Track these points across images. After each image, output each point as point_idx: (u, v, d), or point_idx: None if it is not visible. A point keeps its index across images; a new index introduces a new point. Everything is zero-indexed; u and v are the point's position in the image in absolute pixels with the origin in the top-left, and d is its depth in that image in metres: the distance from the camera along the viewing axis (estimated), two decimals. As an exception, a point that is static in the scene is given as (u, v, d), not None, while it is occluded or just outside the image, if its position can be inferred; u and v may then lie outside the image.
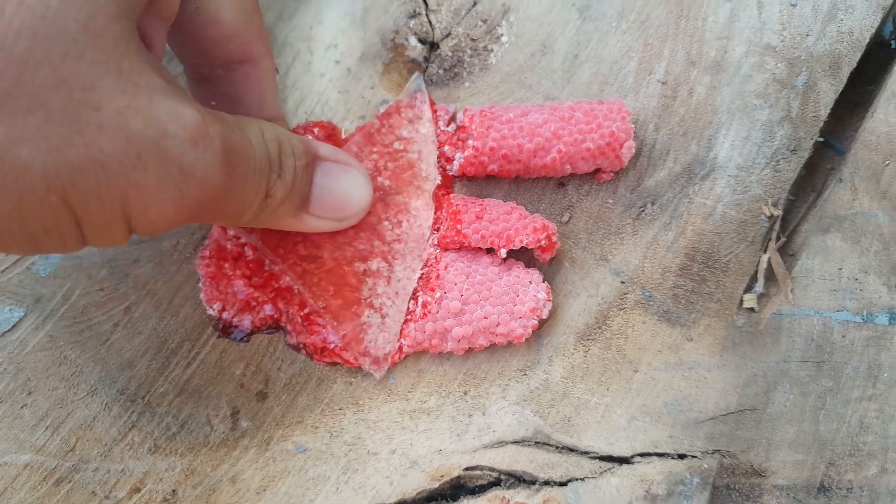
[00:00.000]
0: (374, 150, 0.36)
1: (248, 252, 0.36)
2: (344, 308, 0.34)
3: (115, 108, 0.22)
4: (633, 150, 0.36)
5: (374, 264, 0.35)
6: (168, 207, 0.24)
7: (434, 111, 0.38)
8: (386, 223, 0.35)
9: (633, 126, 0.36)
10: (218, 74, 0.32)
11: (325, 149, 0.33)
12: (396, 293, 0.34)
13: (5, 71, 0.20)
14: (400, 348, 0.34)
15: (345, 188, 0.33)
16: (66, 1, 0.21)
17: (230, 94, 0.33)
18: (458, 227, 0.35)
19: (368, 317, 0.34)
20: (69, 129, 0.21)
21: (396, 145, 0.37)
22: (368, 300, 0.34)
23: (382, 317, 0.34)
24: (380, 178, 0.36)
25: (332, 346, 0.35)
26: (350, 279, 0.34)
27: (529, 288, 0.34)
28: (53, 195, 0.22)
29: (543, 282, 0.34)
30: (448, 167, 0.37)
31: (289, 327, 0.35)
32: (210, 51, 0.31)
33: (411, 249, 0.35)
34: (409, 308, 0.34)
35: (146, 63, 0.23)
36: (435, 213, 0.36)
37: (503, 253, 0.34)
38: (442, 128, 0.38)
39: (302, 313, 0.35)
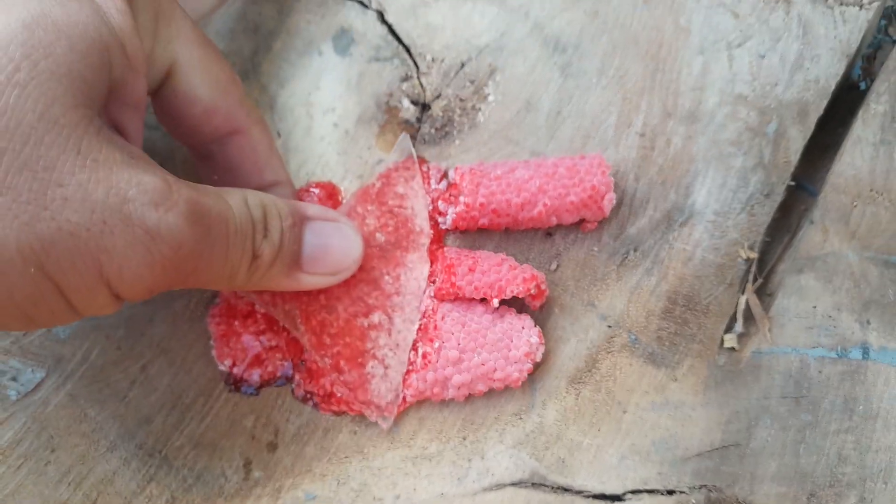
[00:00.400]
0: (371, 208, 0.39)
1: (258, 307, 0.38)
2: (349, 361, 0.36)
3: (77, 182, 0.25)
4: (614, 202, 0.38)
5: (376, 317, 0.37)
6: (142, 269, 0.27)
7: (426, 169, 0.40)
8: (386, 277, 0.37)
9: (612, 179, 0.38)
10: (213, 150, 0.34)
11: (312, 209, 0.35)
12: (397, 344, 0.36)
13: None
14: (404, 398, 0.36)
15: (336, 244, 0.34)
16: (21, 97, 0.24)
17: (228, 167, 0.35)
18: (453, 279, 0.37)
19: (372, 368, 0.36)
20: (36, 205, 0.24)
21: (392, 203, 0.39)
22: (372, 352, 0.36)
23: (385, 368, 0.36)
24: (378, 235, 0.38)
25: (339, 395, 0.37)
26: (354, 332, 0.36)
27: (522, 333, 0.36)
28: (31, 267, 0.24)
29: (535, 326, 0.36)
30: (441, 221, 0.39)
31: (297, 377, 0.37)
32: (197, 128, 0.33)
33: (409, 302, 0.37)
34: (409, 359, 0.36)
35: (106, 142, 0.26)
36: (430, 266, 0.38)
37: (496, 302, 0.36)
38: (434, 185, 0.40)
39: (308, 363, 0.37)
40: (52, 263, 0.25)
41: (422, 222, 0.39)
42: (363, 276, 0.37)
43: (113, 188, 0.25)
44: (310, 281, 0.34)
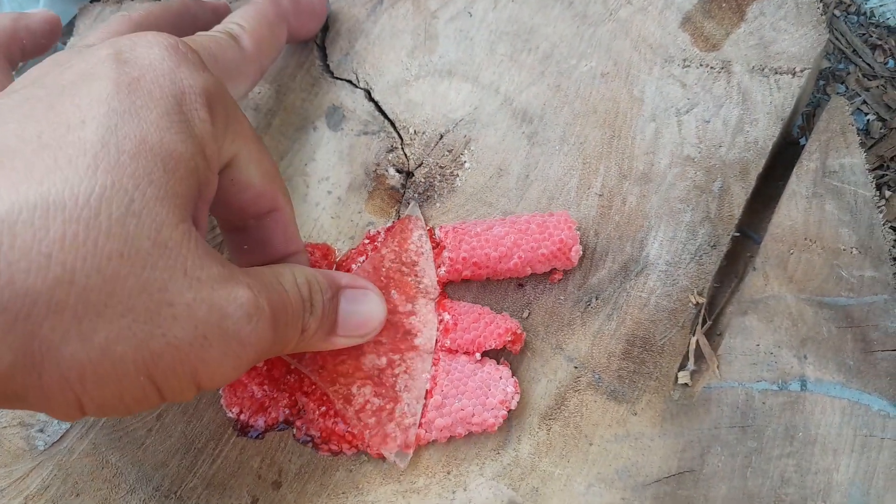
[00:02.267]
0: (385, 269, 0.43)
1: (260, 363, 0.42)
2: (377, 409, 0.40)
3: (185, 302, 0.28)
4: (580, 252, 0.43)
5: (397, 368, 0.41)
6: (230, 372, 0.30)
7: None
8: (403, 332, 0.42)
9: (578, 233, 0.43)
10: (250, 225, 0.38)
11: (345, 278, 0.38)
12: (412, 390, 0.40)
13: (104, 287, 0.26)
14: (417, 437, 0.40)
15: (366, 310, 0.38)
16: (139, 225, 0.26)
17: (260, 240, 0.38)
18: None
19: (397, 413, 0.40)
20: (151, 324, 0.27)
21: (405, 262, 0.43)
22: (389, 411, 0.40)
23: (404, 416, 0.40)
24: (393, 293, 0.42)
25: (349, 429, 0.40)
26: (385, 383, 0.40)
27: (500, 382, 0.40)
28: (141, 375, 0.28)
29: (513, 377, 0.41)
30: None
31: (298, 423, 0.42)
32: (243, 210, 0.36)
33: (423, 352, 0.41)
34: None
35: (203, 255, 0.29)
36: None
37: (478, 356, 0.41)
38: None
39: (320, 411, 0.41)
40: (158, 373, 0.28)
41: (431, 279, 0.43)
42: (383, 334, 0.41)
43: (214, 306, 0.29)
44: (342, 342, 0.38)
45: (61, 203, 0.25)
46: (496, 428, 0.40)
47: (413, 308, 0.42)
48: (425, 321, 0.42)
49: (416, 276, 0.43)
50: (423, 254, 0.43)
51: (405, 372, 0.41)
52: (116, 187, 0.26)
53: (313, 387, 0.41)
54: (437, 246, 0.44)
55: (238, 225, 0.38)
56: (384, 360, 0.41)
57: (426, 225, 0.46)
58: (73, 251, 0.25)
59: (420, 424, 0.40)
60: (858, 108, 0.57)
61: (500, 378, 0.40)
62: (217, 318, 0.29)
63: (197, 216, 0.31)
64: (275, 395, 0.42)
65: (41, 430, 0.42)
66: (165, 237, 0.27)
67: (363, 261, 0.44)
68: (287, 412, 0.42)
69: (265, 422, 0.42)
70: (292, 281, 0.34)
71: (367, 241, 0.45)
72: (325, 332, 0.37)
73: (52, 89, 0.29)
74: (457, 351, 0.42)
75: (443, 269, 0.43)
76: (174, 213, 0.28)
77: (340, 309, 0.37)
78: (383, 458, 0.41)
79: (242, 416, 0.42)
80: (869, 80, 0.57)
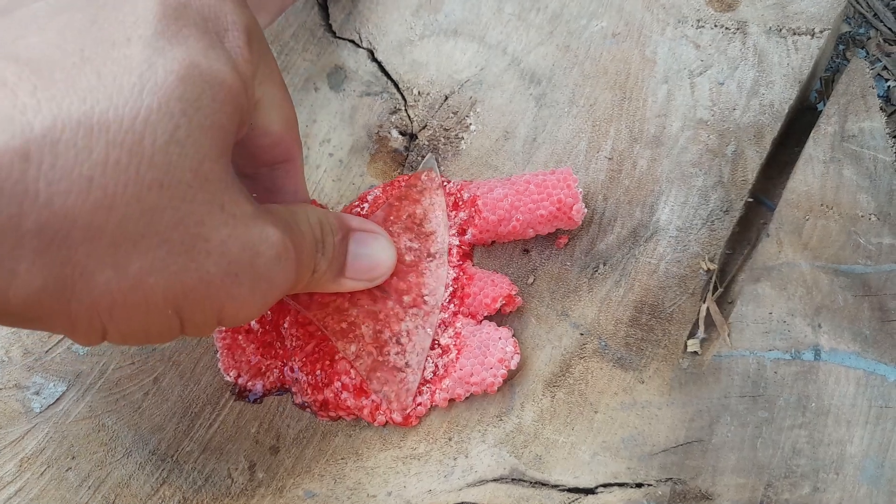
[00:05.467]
0: (395, 220, 0.42)
1: (255, 325, 0.41)
2: (373, 357, 0.39)
3: (219, 238, 0.27)
4: (584, 211, 0.41)
5: (406, 324, 0.40)
6: (254, 310, 0.30)
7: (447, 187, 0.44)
8: (411, 284, 0.41)
9: (580, 190, 0.41)
10: (262, 172, 0.37)
11: (355, 221, 0.38)
12: (415, 346, 0.40)
13: (142, 217, 0.25)
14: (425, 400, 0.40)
15: (375, 253, 0.38)
16: (182, 154, 0.25)
17: (271, 188, 0.37)
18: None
19: (394, 359, 0.39)
20: (185, 258, 0.26)
21: (418, 216, 0.42)
22: (395, 348, 0.39)
23: (406, 365, 0.39)
24: (405, 243, 0.41)
25: (345, 398, 0.40)
26: (382, 335, 0.40)
27: (499, 342, 0.39)
28: (169, 308, 0.27)
29: (512, 337, 0.40)
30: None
31: (294, 389, 0.41)
32: (258, 156, 0.36)
33: (430, 310, 0.40)
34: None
35: (239, 192, 0.28)
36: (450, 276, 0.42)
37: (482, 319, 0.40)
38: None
39: (319, 371, 0.40)
40: (185, 305, 0.28)
41: (443, 235, 0.42)
42: (390, 282, 0.40)
43: (247, 244, 0.28)
44: (350, 284, 0.38)
45: (105, 123, 0.24)
46: (496, 388, 0.39)
47: (423, 263, 0.41)
48: (434, 277, 0.41)
49: (428, 230, 0.42)
50: (436, 208, 0.42)
51: (411, 325, 0.40)
52: (163, 111, 0.25)
53: (304, 357, 0.40)
54: (454, 201, 0.43)
55: (248, 172, 0.37)
56: (391, 309, 0.40)
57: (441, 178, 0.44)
58: (115, 177, 0.24)
59: (420, 381, 0.39)
60: (879, 74, 0.55)
61: (500, 338, 0.39)
62: (249, 257, 0.28)
63: (230, 156, 0.30)
64: (268, 363, 0.41)
65: (37, 393, 0.42)
66: (207, 170, 0.26)
67: (377, 211, 0.42)
68: (284, 376, 0.41)
69: (263, 386, 0.41)
70: (305, 220, 0.34)
71: (357, 202, 0.43)
72: (334, 273, 0.36)
73: (93, 1, 0.27)
74: (457, 313, 0.41)
75: (469, 233, 0.42)
76: (216, 146, 0.27)
77: (350, 251, 0.37)
78: (383, 425, 0.40)
79: (240, 380, 0.41)
80: (890, 45, 0.56)
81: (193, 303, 0.28)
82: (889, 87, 0.56)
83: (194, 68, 0.26)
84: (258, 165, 0.37)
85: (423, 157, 0.46)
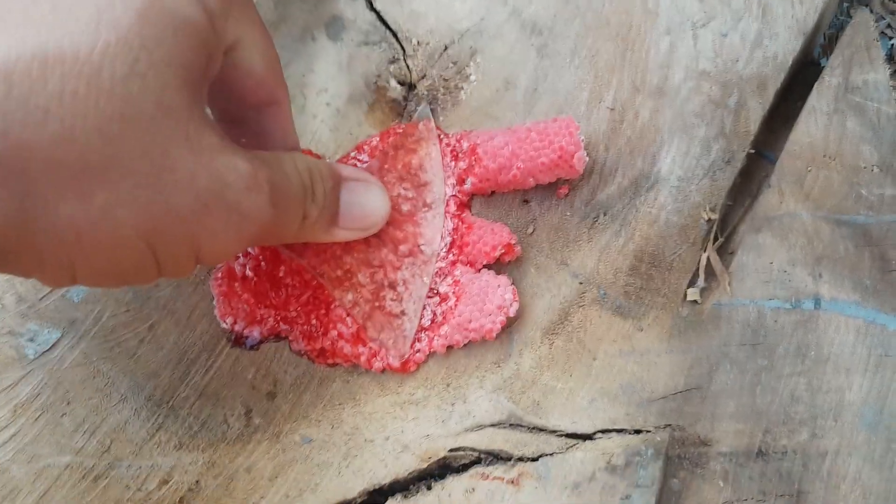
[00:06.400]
0: (390, 170, 0.42)
1: (250, 273, 0.41)
2: (370, 304, 0.39)
3: (186, 168, 0.27)
4: (586, 160, 0.41)
5: (402, 273, 0.40)
6: (230, 244, 0.30)
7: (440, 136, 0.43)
8: (405, 233, 0.40)
9: (582, 138, 0.40)
10: (248, 116, 0.37)
11: (347, 170, 0.38)
12: (411, 294, 0.39)
13: (105, 149, 0.25)
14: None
15: (368, 202, 0.37)
16: (143, 87, 0.25)
17: (258, 132, 0.37)
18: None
19: (390, 305, 0.39)
20: (152, 189, 0.26)
21: (412, 165, 0.42)
22: (390, 297, 0.39)
23: (403, 313, 0.39)
24: (400, 191, 0.41)
25: (341, 346, 0.39)
26: (379, 283, 0.39)
27: (498, 290, 0.39)
28: (141, 242, 0.27)
29: (511, 285, 0.39)
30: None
31: (291, 336, 0.40)
32: (243, 98, 0.35)
33: (426, 259, 0.40)
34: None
35: (206, 125, 0.28)
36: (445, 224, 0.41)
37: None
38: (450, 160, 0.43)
39: (314, 320, 0.40)
40: (157, 240, 0.27)
41: (438, 184, 0.41)
42: (385, 231, 0.40)
43: (214, 174, 0.28)
44: (343, 234, 0.37)
45: (60, 56, 0.24)
46: (494, 335, 0.38)
47: (419, 212, 0.41)
48: (431, 227, 0.40)
49: (424, 180, 0.41)
50: (432, 158, 0.42)
51: (407, 274, 0.39)
52: (120, 45, 0.25)
53: (300, 307, 0.40)
54: (452, 151, 0.42)
55: (236, 116, 0.37)
56: (386, 257, 0.39)
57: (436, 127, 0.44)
58: (73, 108, 0.24)
59: (418, 329, 0.39)
60: (882, 32, 0.54)
61: (499, 286, 0.39)
62: (218, 187, 0.28)
63: (199, 92, 0.30)
64: (263, 311, 0.41)
65: (31, 340, 0.41)
66: (169, 102, 0.26)
67: (370, 160, 0.42)
68: (280, 326, 0.41)
69: (261, 333, 0.40)
70: (293, 165, 0.33)
71: (353, 152, 0.43)
72: (327, 222, 0.36)
73: None
74: (456, 262, 0.40)
75: (468, 182, 0.41)
76: (180, 80, 0.27)
77: (342, 200, 0.36)
78: (381, 372, 0.40)
79: (237, 327, 0.41)
80: (894, 2, 0.55)
81: (165, 235, 0.27)
82: (893, 44, 0.55)
83: (154, 4, 0.26)
84: (245, 108, 0.36)
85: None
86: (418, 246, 0.40)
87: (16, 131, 0.23)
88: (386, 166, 0.41)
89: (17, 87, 0.23)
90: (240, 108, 0.36)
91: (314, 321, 0.40)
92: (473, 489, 0.37)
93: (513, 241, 0.40)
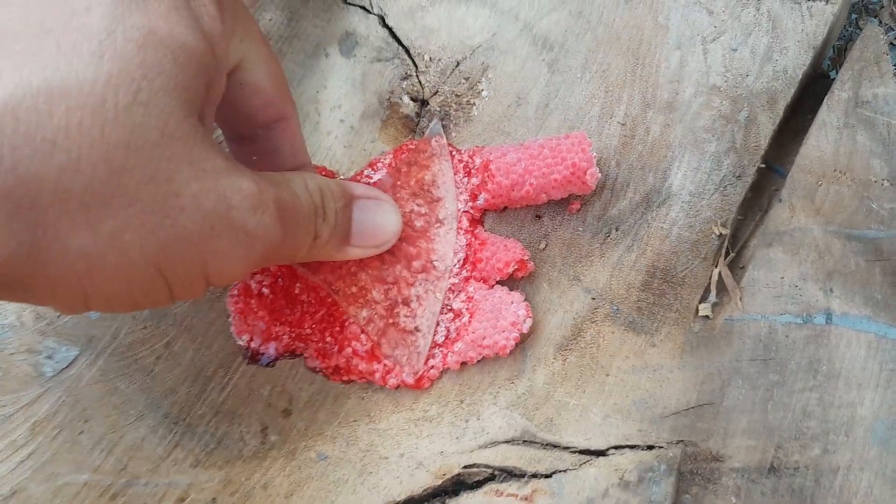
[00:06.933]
0: (403, 186, 0.42)
1: (266, 290, 0.41)
2: (384, 320, 0.39)
3: (191, 193, 0.27)
4: (598, 176, 0.41)
5: (416, 289, 0.40)
6: (239, 264, 0.30)
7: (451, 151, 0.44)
8: (419, 250, 0.41)
9: (594, 154, 0.41)
10: (259, 135, 0.37)
11: (359, 188, 0.38)
12: (425, 310, 0.40)
13: (111, 177, 0.25)
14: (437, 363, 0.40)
15: (379, 220, 0.38)
16: (146, 115, 0.26)
17: (269, 150, 0.38)
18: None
19: (404, 322, 0.39)
20: (159, 214, 0.27)
21: (424, 181, 0.42)
22: (404, 314, 0.39)
23: (416, 329, 0.39)
24: (413, 207, 0.41)
25: (356, 364, 0.40)
26: (392, 299, 0.40)
27: (511, 306, 0.39)
28: (150, 267, 0.27)
29: (524, 301, 0.40)
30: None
31: (306, 353, 0.41)
32: (252, 117, 0.36)
33: (440, 275, 0.40)
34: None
35: (209, 148, 0.28)
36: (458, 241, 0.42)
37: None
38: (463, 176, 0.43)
39: (329, 338, 0.40)
40: (166, 264, 0.28)
41: (450, 200, 0.42)
42: (399, 248, 0.40)
43: (220, 196, 0.28)
44: (356, 252, 0.38)
45: (65, 89, 0.24)
46: (508, 351, 0.39)
47: (432, 229, 0.41)
48: (443, 243, 0.41)
49: (436, 196, 0.42)
50: (444, 174, 0.42)
51: (421, 290, 0.40)
52: (123, 76, 0.25)
53: (314, 325, 0.40)
54: (465, 167, 0.43)
55: (246, 134, 0.37)
56: (400, 274, 0.40)
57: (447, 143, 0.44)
58: (79, 139, 0.24)
59: (432, 345, 0.39)
60: (891, 43, 0.55)
61: (512, 302, 0.39)
62: (223, 209, 0.28)
63: (203, 117, 0.30)
64: (278, 329, 0.41)
65: (49, 357, 0.42)
66: (172, 129, 0.27)
67: (382, 176, 0.42)
68: (296, 344, 0.41)
69: (276, 349, 0.41)
70: (303, 185, 0.34)
71: (366, 170, 0.43)
72: (339, 241, 0.36)
73: None
74: (469, 278, 0.41)
75: (481, 198, 0.42)
76: (182, 106, 0.27)
77: (354, 218, 0.37)
78: (396, 388, 0.40)
79: (253, 344, 0.41)
80: (903, 13, 0.55)
81: (174, 260, 0.28)
82: (902, 55, 0.55)
83: (153, 34, 0.27)
84: (254, 126, 0.37)
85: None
86: (431, 262, 0.41)
87: (24, 165, 0.24)
88: (399, 182, 0.42)
89: (24, 122, 0.24)
90: (249, 126, 0.37)
91: (329, 339, 0.40)
92: (488, 505, 0.38)
93: (526, 258, 0.40)
